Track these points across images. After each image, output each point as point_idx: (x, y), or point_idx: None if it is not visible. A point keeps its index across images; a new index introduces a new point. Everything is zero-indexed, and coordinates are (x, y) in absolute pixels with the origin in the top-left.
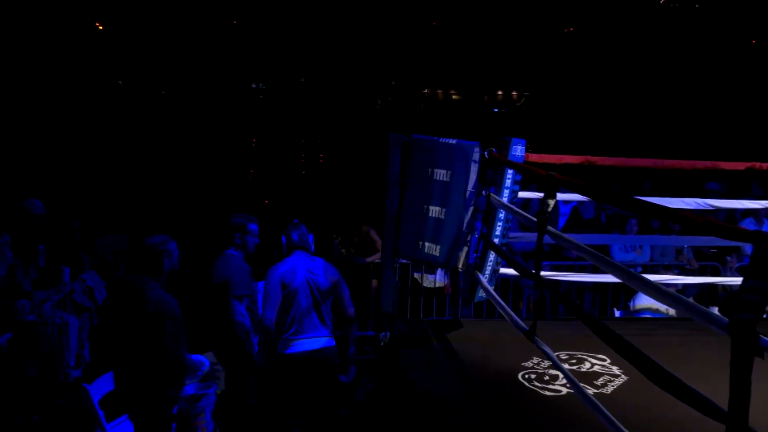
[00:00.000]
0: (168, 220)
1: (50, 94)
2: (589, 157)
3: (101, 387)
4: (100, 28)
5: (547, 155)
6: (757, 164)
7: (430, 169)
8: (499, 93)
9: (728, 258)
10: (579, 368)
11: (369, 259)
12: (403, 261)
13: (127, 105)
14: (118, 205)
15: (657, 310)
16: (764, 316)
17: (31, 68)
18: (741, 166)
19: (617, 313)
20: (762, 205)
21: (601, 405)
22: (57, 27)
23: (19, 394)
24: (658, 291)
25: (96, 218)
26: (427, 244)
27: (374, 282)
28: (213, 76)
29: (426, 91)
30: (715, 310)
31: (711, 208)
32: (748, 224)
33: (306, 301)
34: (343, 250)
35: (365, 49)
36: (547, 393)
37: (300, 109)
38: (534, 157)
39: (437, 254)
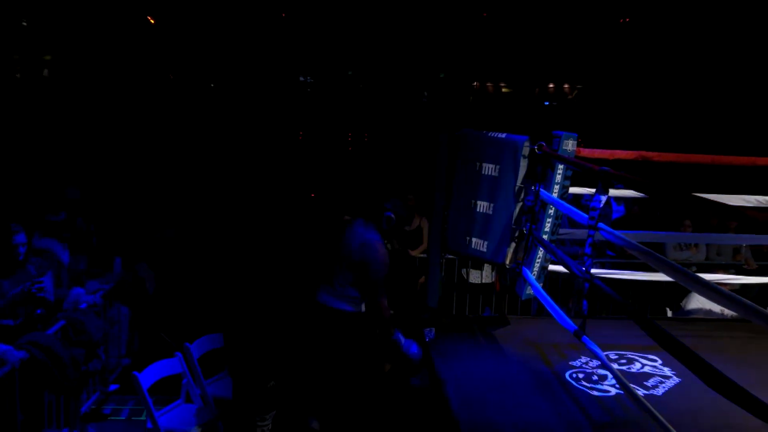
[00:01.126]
0: (218, 213)
1: (104, 86)
2: (644, 153)
3: (151, 375)
4: (152, 21)
5: (599, 150)
6: None
7: (478, 164)
8: (551, 85)
9: None
10: (629, 369)
11: (414, 252)
12: (450, 256)
13: (178, 97)
14: (170, 196)
15: (711, 311)
16: None
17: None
18: None
19: (670, 313)
20: None
21: (651, 407)
22: (111, 21)
23: (72, 382)
24: (713, 291)
25: (148, 211)
26: (474, 239)
27: (422, 279)
28: (262, 69)
29: (475, 83)
30: None
31: None
32: None
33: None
34: (388, 245)
35: (414, 42)
36: (596, 393)
37: (348, 102)
38: (585, 152)
39: (484, 250)
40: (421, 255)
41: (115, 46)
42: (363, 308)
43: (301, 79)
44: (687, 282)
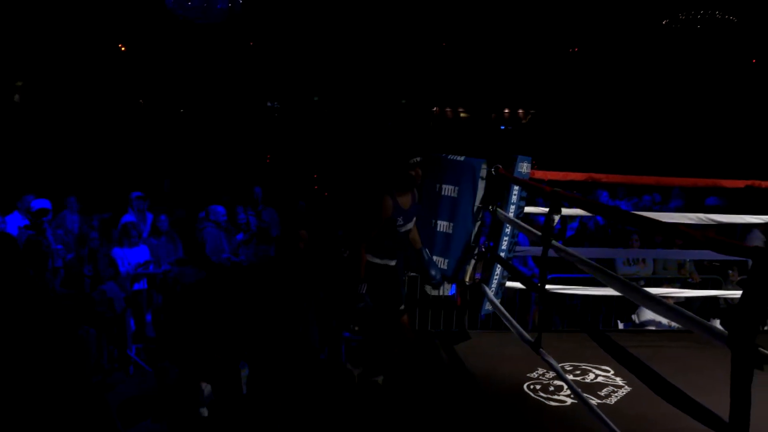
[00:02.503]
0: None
1: (75, 111)
2: (593, 174)
3: (120, 395)
4: (123, 48)
5: (551, 172)
6: (757, 182)
7: (438, 185)
8: (506, 111)
9: (730, 271)
10: (583, 379)
11: None
12: (413, 274)
13: (147, 123)
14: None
15: (660, 323)
16: (764, 328)
17: (56, 88)
18: (740, 184)
19: (621, 326)
20: (763, 220)
21: (604, 416)
22: (81, 47)
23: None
24: (658, 304)
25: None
26: (435, 257)
27: None
28: (229, 95)
29: (435, 109)
30: (717, 323)
31: (713, 222)
32: (755, 236)
33: None
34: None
35: (377, 69)
36: (552, 403)
37: (314, 127)
38: (539, 174)
39: (445, 267)
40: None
41: (87, 72)
42: None
43: (269, 104)
44: (634, 296)
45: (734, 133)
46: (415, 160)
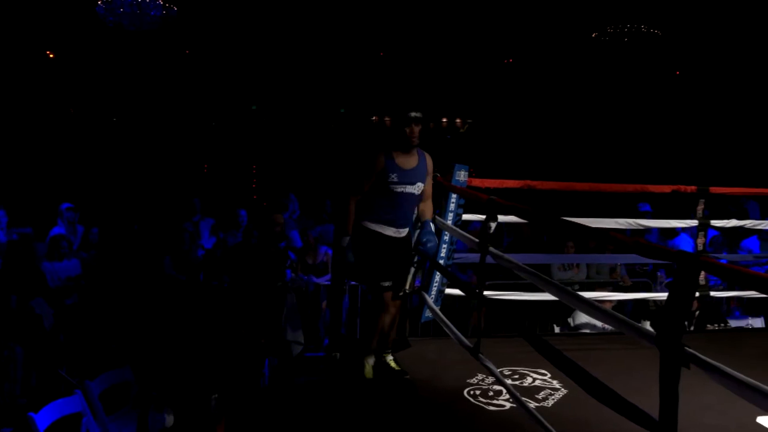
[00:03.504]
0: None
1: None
2: (529, 182)
3: (47, 415)
4: (51, 56)
5: (488, 180)
6: (682, 187)
7: None
8: (444, 120)
9: (659, 273)
10: (521, 383)
11: (321, 280)
12: (354, 282)
13: (78, 132)
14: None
15: (594, 326)
16: (691, 329)
17: None
18: (667, 189)
19: (557, 329)
20: (687, 224)
21: (542, 418)
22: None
23: None
24: (591, 307)
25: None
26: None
27: (324, 304)
28: (164, 103)
29: (374, 118)
30: (647, 324)
31: (641, 227)
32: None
33: None
34: (294, 275)
35: (315, 78)
36: (492, 408)
37: (252, 136)
38: (476, 182)
39: None
40: (326, 282)
41: (14, 79)
42: None
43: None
44: (569, 300)
45: (660, 140)
46: (411, 114)
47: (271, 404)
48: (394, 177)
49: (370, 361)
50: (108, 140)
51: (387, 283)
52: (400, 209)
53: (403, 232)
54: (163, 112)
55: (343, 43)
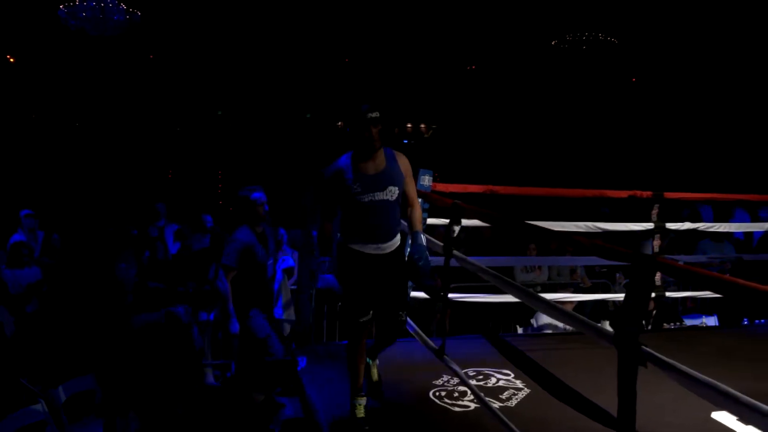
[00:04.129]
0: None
1: None
2: (492, 187)
3: (9, 426)
4: (12, 60)
5: (452, 185)
6: (638, 192)
7: None
8: (409, 125)
9: (617, 275)
10: (485, 384)
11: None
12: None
13: (40, 137)
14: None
15: (556, 326)
16: (649, 328)
17: None
18: (624, 194)
19: (520, 330)
20: (643, 227)
21: (506, 418)
22: None
23: None
24: (550, 308)
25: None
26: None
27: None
28: (128, 109)
29: (339, 123)
30: (606, 324)
31: (599, 230)
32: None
33: None
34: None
35: (281, 83)
36: (457, 409)
37: (217, 141)
38: (441, 187)
39: None
40: (293, 287)
41: None
42: None
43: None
44: (530, 301)
45: (617, 146)
46: (368, 116)
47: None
48: (357, 187)
49: (361, 402)
50: (70, 145)
51: (365, 318)
52: (376, 221)
53: (387, 247)
54: (127, 118)
55: (308, 48)
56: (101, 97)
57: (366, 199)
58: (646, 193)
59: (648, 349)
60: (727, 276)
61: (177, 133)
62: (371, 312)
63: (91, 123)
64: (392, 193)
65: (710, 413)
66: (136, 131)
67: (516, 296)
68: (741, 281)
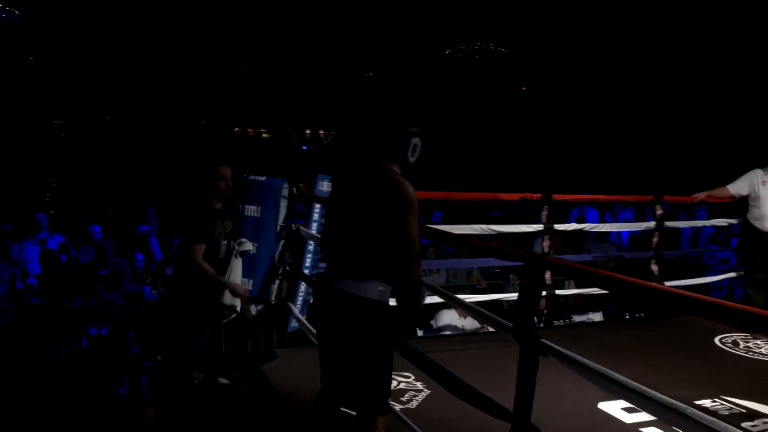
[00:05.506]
0: None
1: None
2: None
3: None
4: None
5: None
6: (529, 195)
7: (240, 206)
8: (307, 132)
9: (510, 276)
10: None
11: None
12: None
13: None
14: None
15: (455, 327)
16: (541, 325)
17: None
18: (515, 196)
19: (420, 332)
20: (534, 228)
21: (407, 419)
22: None
23: None
24: (472, 309)
25: None
26: (241, 279)
27: None
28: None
29: (237, 129)
30: None
31: (493, 233)
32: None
33: None
34: (154, 291)
35: (174, 88)
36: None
37: (106, 147)
38: None
39: (250, 288)
40: None
41: None
42: None
43: (56, 122)
44: (450, 300)
45: (509, 151)
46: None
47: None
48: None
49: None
50: None
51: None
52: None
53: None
54: (6, 123)
55: (204, 53)
56: None
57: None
58: (536, 196)
59: (546, 341)
60: (609, 272)
61: (62, 140)
62: None
63: None
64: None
65: (597, 404)
66: (16, 137)
67: (438, 296)
68: (621, 276)
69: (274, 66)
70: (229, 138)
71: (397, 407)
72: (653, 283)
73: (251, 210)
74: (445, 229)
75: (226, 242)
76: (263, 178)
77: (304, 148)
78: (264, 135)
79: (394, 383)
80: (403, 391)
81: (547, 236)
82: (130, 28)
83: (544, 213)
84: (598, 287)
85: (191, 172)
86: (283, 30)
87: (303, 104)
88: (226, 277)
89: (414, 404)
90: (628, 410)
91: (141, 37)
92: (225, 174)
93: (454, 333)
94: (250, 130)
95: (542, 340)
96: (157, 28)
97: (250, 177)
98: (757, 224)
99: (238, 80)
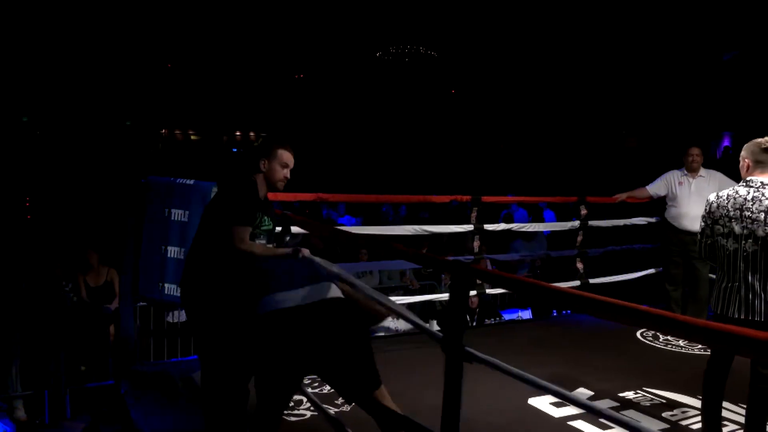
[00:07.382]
0: None
1: None
2: (321, 195)
3: None
4: None
5: (283, 193)
6: (459, 197)
7: (167, 210)
8: (238, 133)
9: (443, 276)
10: (321, 390)
11: (113, 305)
12: (143, 304)
13: None
14: None
15: (389, 329)
16: (473, 324)
17: None
18: (446, 198)
19: None
20: (465, 228)
21: (342, 422)
22: None
23: None
24: (402, 313)
25: None
26: (167, 285)
27: (112, 328)
28: None
29: (164, 131)
30: (434, 323)
31: (426, 233)
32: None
33: None
34: (75, 298)
35: (96, 89)
36: (293, 419)
37: (23, 150)
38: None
39: (178, 294)
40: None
41: None
42: None
43: None
44: (382, 305)
45: (440, 153)
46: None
47: None
48: None
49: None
50: None
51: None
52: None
53: None
54: None
55: (129, 51)
56: None
57: None
58: (466, 197)
59: (470, 349)
60: (529, 278)
61: None
62: None
63: None
64: None
65: (527, 400)
66: None
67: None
68: (539, 282)
69: (202, 66)
70: (156, 140)
71: (332, 411)
72: (556, 285)
73: (178, 214)
74: (378, 231)
75: (264, 241)
76: (191, 182)
77: (234, 150)
78: (192, 137)
79: (328, 386)
80: (337, 394)
81: (477, 236)
82: (49, 25)
83: (474, 214)
84: (517, 292)
85: (112, 179)
86: (211, 30)
87: (232, 105)
88: None
89: (348, 407)
90: (556, 405)
91: (61, 33)
92: (287, 161)
93: (388, 334)
94: (177, 131)
95: (466, 348)
96: (78, 24)
97: (177, 180)
98: (674, 223)
99: (165, 80)
